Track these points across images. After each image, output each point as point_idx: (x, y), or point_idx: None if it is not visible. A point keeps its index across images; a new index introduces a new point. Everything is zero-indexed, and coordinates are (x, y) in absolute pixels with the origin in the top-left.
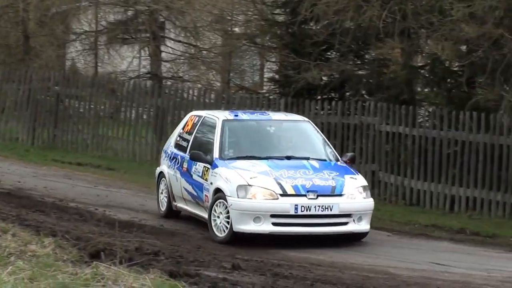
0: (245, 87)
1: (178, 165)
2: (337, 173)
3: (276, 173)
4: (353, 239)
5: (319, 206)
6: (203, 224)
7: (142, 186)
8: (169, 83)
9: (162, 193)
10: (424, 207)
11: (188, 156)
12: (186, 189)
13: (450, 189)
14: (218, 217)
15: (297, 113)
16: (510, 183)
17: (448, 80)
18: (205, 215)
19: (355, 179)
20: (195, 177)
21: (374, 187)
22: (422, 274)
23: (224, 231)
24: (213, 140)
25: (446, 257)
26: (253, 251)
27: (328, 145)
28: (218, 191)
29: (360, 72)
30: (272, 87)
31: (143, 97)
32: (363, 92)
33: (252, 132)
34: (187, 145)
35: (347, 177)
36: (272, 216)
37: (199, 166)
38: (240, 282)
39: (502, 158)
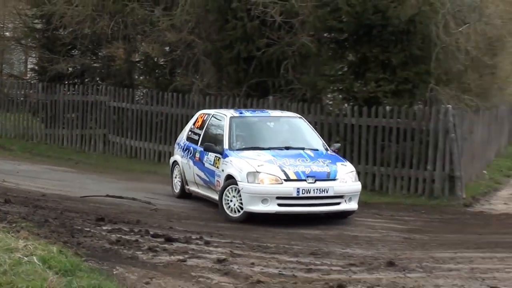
0: (14, 75)
1: (191, 155)
2: (330, 161)
3: (279, 161)
4: (343, 216)
5: (317, 189)
6: None
7: None
8: None
9: (175, 177)
10: (140, 159)
11: (201, 148)
12: (198, 175)
13: (158, 147)
14: (231, 200)
15: (55, 93)
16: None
17: (156, 71)
18: (216, 197)
19: (345, 165)
20: (207, 165)
21: (105, 146)
22: (141, 204)
23: (238, 212)
24: (223, 134)
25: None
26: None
27: (319, 137)
28: (229, 177)
29: (95, 65)
30: (33, 74)
31: None
32: (98, 79)
33: (255, 126)
34: (199, 138)
35: (338, 164)
36: (278, 198)
37: (211, 156)
38: (10, 211)
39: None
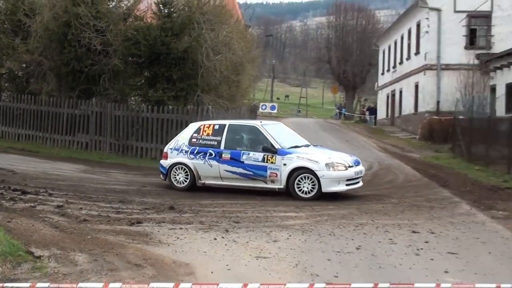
0: None
1: (213, 156)
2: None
3: (331, 155)
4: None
5: (358, 171)
6: None
7: None
8: None
9: (178, 175)
10: (5, 139)
11: (227, 150)
12: (229, 171)
13: (21, 131)
14: (303, 185)
15: None
16: None
17: (17, 80)
18: (258, 185)
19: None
20: (248, 162)
21: None
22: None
23: (311, 192)
24: (263, 138)
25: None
26: None
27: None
28: (299, 168)
29: None
30: None
31: None
32: None
33: (281, 131)
34: (219, 143)
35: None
36: (346, 180)
37: (256, 154)
38: None
39: None
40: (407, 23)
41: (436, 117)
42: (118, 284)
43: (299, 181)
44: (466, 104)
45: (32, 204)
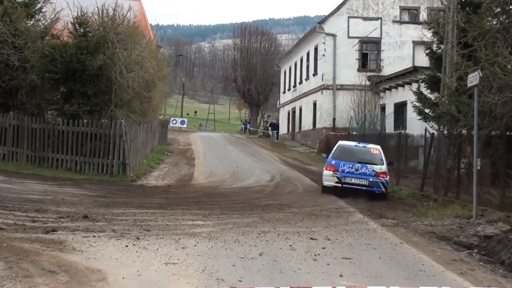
0: None
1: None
2: None
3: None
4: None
5: None
6: None
7: None
8: None
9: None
10: None
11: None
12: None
13: None
14: None
15: None
16: None
17: None
18: None
19: None
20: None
21: None
22: None
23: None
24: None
25: None
26: None
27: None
28: None
29: None
30: None
31: None
32: None
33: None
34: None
35: None
36: None
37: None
38: None
39: None
40: (306, 46)
41: (333, 133)
42: None
43: None
44: (359, 121)
45: None
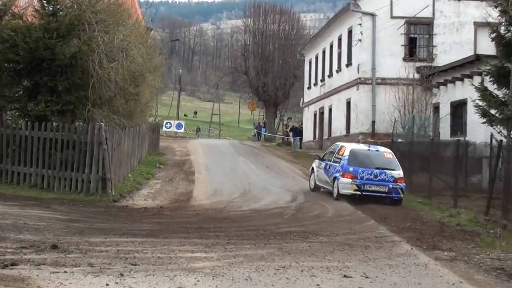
0: None
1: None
2: None
3: None
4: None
5: None
6: None
7: None
8: None
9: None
10: None
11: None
12: None
13: None
14: None
15: None
16: None
17: None
18: None
19: None
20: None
21: None
22: None
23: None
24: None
25: None
26: None
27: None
28: None
29: None
30: None
31: None
32: None
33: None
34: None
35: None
36: None
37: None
38: None
39: None
40: (337, 29)
41: (371, 140)
42: None
43: None
44: (405, 125)
45: None
